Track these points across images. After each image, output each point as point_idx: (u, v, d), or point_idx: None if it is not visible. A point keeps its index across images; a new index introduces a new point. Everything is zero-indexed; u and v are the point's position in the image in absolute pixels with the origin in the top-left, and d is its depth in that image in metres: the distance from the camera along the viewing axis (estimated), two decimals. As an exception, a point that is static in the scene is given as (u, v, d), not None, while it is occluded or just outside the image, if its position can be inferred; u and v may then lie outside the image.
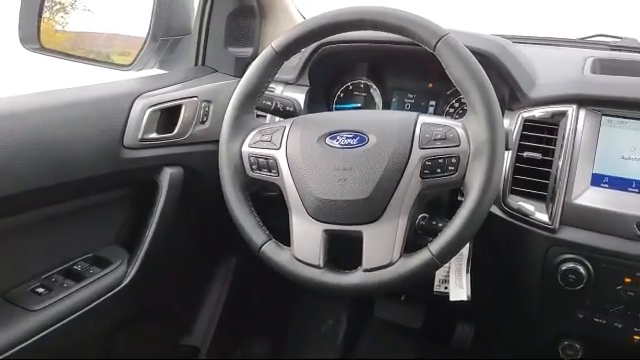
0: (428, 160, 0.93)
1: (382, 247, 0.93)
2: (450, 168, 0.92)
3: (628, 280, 1.02)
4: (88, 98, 1.13)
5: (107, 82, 1.23)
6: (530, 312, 1.17)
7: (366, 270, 0.94)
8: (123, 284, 1.17)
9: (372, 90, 1.40)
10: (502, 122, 0.91)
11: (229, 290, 1.60)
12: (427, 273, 0.93)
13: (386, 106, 1.38)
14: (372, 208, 0.94)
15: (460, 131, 0.93)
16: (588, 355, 1.15)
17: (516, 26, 1.69)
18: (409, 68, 1.35)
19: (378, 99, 1.39)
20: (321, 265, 0.96)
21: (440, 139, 0.93)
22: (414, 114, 0.99)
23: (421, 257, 0.91)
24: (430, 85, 1.34)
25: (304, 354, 1.77)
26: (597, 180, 1.04)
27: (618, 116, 1.06)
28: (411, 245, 0.94)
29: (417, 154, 0.93)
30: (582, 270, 1.03)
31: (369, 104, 1.40)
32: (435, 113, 1.32)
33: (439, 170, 0.92)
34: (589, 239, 1.03)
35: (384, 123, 0.99)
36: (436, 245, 0.91)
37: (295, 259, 0.98)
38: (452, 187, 0.95)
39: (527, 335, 1.24)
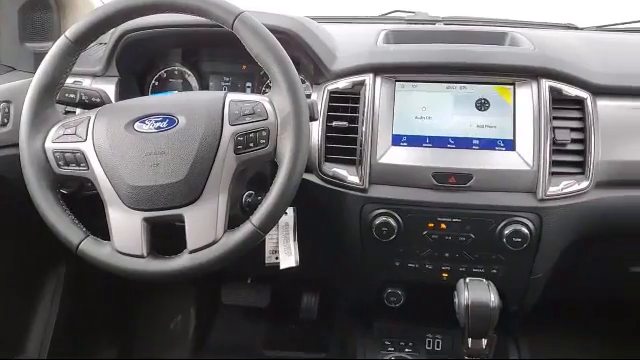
0: (240, 136, 0.95)
1: (205, 226, 0.94)
2: (262, 141, 0.95)
3: (431, 225, 1.14)
4: None
5: None
6: (355, 266, 1.26)
7: (192, 251, 0.94)
8: None
9: (187, 76, 1.39)
10: (303, 94, 0.96)
11: (62, 299, 1.51)
12: (252, 244, 0.95)
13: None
14: (190, 189, 0.94)
15: (267, 105, 0.97)
16: (410, 299, 1.27)
17: (326, 8, 1.77)
18: (222, 51, 1.36)
19: (195, 85, 1.39)
20: (144, 254, 0.94)
21: (249, 114, 0.96)
22: (222, 93, 1.01)
23: (244, 230, 0.94)
24: (244, 67, 1.37)
25: (154, 354, 1.73)
26: (397, 140, 1.15)
27: (409, 80, 1.17)
28: (240, 222, 0.96)
29: (228, 131, 0.95)
30: (392, 222, 1.13)
31: (186, 90, 1.39)
32: (252, 93, 1.35)
33: (252, 144, 0.95)
34: (395, 193, 1.13)
35: (193, 104, 0.99)
36: (257, 217, 0.94)
37: (116, 252, 0.95)
38: (267, 159, 0.98)
39: (358, 289, 1.34)
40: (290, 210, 1.17)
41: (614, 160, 1.11)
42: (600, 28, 1.57)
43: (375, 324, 1.36)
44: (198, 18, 0.98)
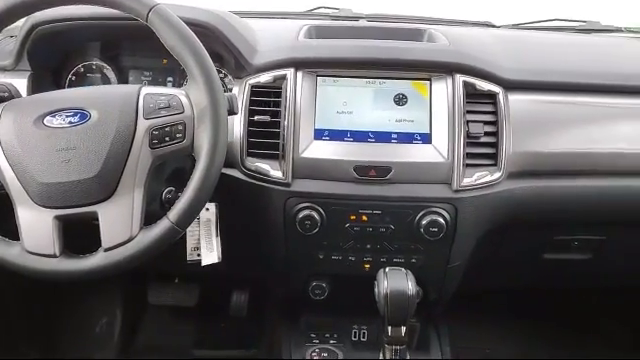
0: (155, 130, 0.93)
1: (120, 223, 0.92)
2: (178, 135, 0.94)
3: (353, 217, 1.16)
4: None
5: None
6: (280, 261, 1.26)
7: (107, 249, 0.92)
8: None
9: (106, 71, 1.35)
10: (220, 86, 0.96)
11: None
12: (169, 241, 0.94)
13: (123, 87, 1.34)
14: (104, 185, 0.92)
15: (183, 98, 0.96)
16: (334, 292, 1.28)
17: (252, 3, 1.76)
18: (142, 45, 1.32)
19: (114, 80, 1.35)
20: (57, 254, 0.91)
21: (164, 107, 0.95)
22: (136, 86, 0.99)
23: (161, 227, 0.93)
24: (165, 61, 1.34)
25: (78, 357, 1.67)
26: (319, 134, 1.16)
27: (330, 75, 1.19)
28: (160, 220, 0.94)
29: (143, 125, 0.93)
30: (316, 215, 1.14)
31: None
32: (169, 87, 1.32)
33: (168, 138, 0.94)
34: (318, 187, 1.14)
35: (106, 97, 0.97)
36: (174, 212, 0.93)
37: (26, 252, 0.91)
38: (184, 153, 0.96)
39: (283, 284, 1.34)
40: (212, 206, 1.16)
41: (524, 152, 1.17)
42: (516, 26, 1.65)
43: (302, 318, 1.37)
44: (113, 10, 0.96)
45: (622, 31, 1.65)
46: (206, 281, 1.75)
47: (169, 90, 0.98)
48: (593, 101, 1.22)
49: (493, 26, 1.64)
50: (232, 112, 1.01)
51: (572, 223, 1.28)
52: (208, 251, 1.13)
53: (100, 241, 0.92)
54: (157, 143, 0.94)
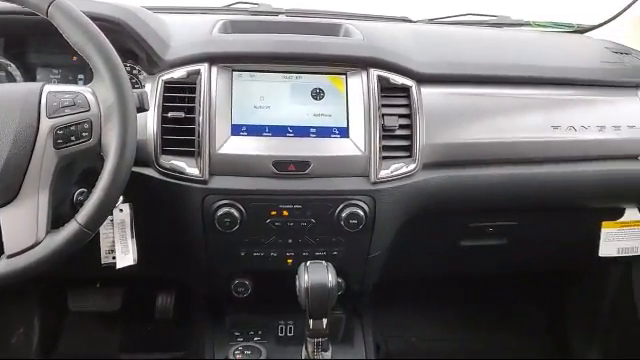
0: (59, 129, 0.90)
1: (24, 228, 0.88)
2: (84, 134, 0.91)
3: (274, 213, 1.16)
4: None
5: None
6: (200, 260, 1.24)
7: (10, 256, 0.87)
8: None
9: (11, 69, 1.28)
10: (128, 83, 0.93)
11: None
12: (79, 244, 0.90)
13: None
14: (4, 188, 0.88)
15: (89, 96, 0.93)
16: (258, 288, 1.28)
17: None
18: (49, 41, 1.26)
19: (20, 79, 1.28)
20: None
21: (69, 106, 0.91)
22: (39, 84, 0.94)
23: (69, 230, 0.89)
24: (74, 58, 1.28)
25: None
26: (236, 130, 1.14)
27: (247, 70, 1.18)
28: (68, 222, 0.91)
29: (46, 124, 0.89)
30: (235, 212, 1.13)
31: (10, 85, 1.28)
32: (75, 85, 1.27)
33: (73, 138, 0.90)
34: (236, 183, 1.13)
35: (6, 96, 0.92)
36: (82, 214, 0.89)
37: None
38: (92, 153, 0.93)
39: (205, 283, 1.32)
40: (126, 207, 1.12)
41: (437, 143, 1.20)
42: (431, 21, 1.69)
43: (227, 317, 1.35)
44: (11, 5, 0.91)
45: (530, 25, 1.73)
46: (129, 284, 1.70)
47: (74, 88, 0.94)
48: (501, 92, 1.27)
49: (410, 21, 1.67)
50: (142, 109, 0.98)
51: (485, 210, 1.33)
52: (123, 254, 1.09)
53: (2, 247, 0.87)
54: (62, 143, 0.90)
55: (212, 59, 1.16)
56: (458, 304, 1.87)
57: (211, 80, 1.14)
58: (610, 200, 1.38)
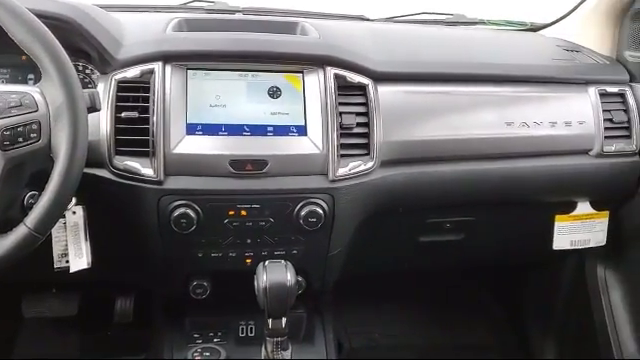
0: (6, 130, 0.87)
1: None
2: (33, 135, 0.89)
3: (232, 213, 1.15)
4: None
5: None
6: (157, 262, 1.22)
7: None
8: None
9: None
10: (77, 82, 0.91)
11: None
12: (28, 249, 0.88)
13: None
14: None
15: (37, 96, 0.90)
16: (217, 289, 1.27)
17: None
18: (-4, 40, 1.23)
19: (-35, 78, 1.24)
20: None
21: (15, 106, 0.89)
22: None
23: (17, 234, 0.87)
24: (24, 57, 1.24)
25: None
26: (192, 129, 1.13)
27: (201, 69, 1.16)
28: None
29: None
30: (192, 213, 1.11)
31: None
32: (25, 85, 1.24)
33: (21, 139, 0.88)
34: (193, 183, 1.12)
35: None
36: (31, 218, 0.87)
37: None
38: (41, 154, 0.91)
39: (163, 285, 1.30)
40: (79, 209, 1.10)
41: (394, 141, 1.21)
42: (389, 19, 1.70)
43: (187, 319, 1.34)
44: None
45: (485, 23, 1.77)
46: (87, 288, 1.66)
47: (21, 88, 0.92)
48: (456, 90, 1.29)
49: (367, 19, 1.68)
50: (93, 109, 0.96)
51: (442, 206, 1.35)
52: (77, 257, 1.07)
53: None
54: (9, 144, 0.87)
55: (166, 58, 1.14)
56: (420, 299, 1.90)
57: (165, 79, 1.13)
58: (562, 194, 1.42)
